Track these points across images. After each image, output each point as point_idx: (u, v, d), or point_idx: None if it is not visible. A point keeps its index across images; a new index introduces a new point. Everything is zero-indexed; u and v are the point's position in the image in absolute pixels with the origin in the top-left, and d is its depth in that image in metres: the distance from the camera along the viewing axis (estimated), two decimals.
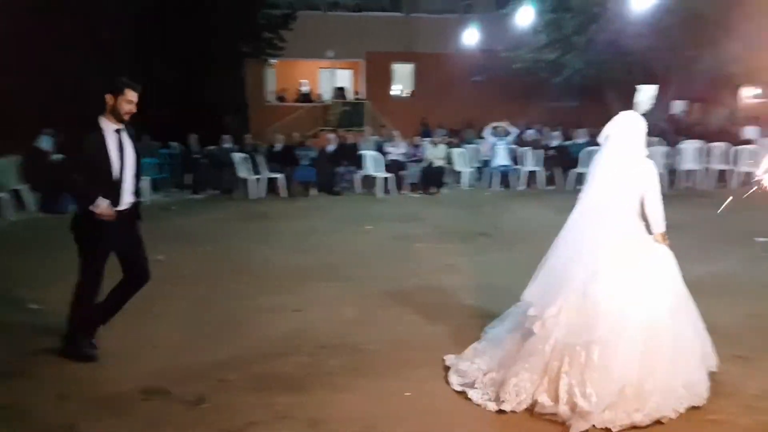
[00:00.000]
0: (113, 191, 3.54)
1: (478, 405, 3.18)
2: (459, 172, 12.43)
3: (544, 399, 3.00)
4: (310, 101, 18.93)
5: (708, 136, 12.67)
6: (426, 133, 14.57)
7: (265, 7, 14.89)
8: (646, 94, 15.21)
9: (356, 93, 18.66)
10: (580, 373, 2.95)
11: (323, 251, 6.96)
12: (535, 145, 12.96)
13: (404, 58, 18.77)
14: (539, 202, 10.36)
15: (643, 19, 11.25)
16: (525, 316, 3.30)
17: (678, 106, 17.45)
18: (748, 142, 11.83)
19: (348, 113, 17.78)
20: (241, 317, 4.62)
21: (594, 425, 2.87)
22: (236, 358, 3.87)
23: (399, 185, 11.77)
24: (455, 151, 12.73)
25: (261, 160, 11.42)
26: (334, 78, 19.83)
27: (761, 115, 14.96)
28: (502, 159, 12.19)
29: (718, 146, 11.63)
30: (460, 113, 17.22)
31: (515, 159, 12.40)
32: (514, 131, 12.55)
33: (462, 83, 17.79)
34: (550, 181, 12.32)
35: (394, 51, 18.54)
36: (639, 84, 14.24)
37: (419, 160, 12.14)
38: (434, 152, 12.19)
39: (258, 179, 11.17)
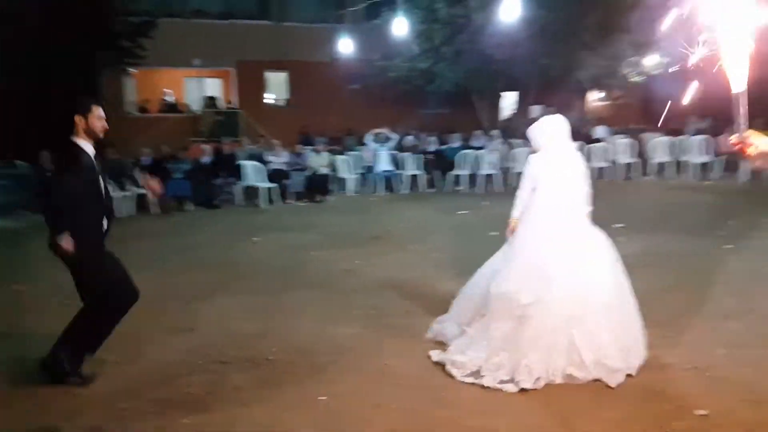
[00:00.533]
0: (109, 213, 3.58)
1: (495, 389, 3.34)
2: (344, 179, 12.47)
3: (573, 371, 3.38)
4: (177, 111, 17.78)
5: None
6: (306, 141, 14.40)
7: (122, 14, 13.76)
8: (508, 100, 16.48)
9: (228, 102, 17.91)
10: (590, 341, 3.39)
11: (210, 267, 6.57)
12: (414, 150, 13.41)
13: (277, 66, 18.43)
14: (422, 203, 10.73)
15: (503, 31, 12.17)
16: (503, 304, 3.55)
17: (535, 111, 19.08)
18: (598, 140, 13.26)
19: (221, 123, 17.00)
20: (131, 342, 4.17)
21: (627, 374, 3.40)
22: (133, 383, 3.52)
23: (283, 195, 11.50)
24: (339, 158, 12.77)
25: (133, 174, 10.54)
26: (201, 87, 18.86)
27: (606, 116, 16.91)
28: (384, 164, 12.44)
29: (575, 145, 12.84)
30: (340, 121, 17.31)
31: (397, 164, 12.73)
32: (394, 137, 12.90)
33: (339, 91, 17.89)
34: (431, 183, 12.82)
35: (266, 59, 18.14)
36: (502, 91, 15.35)
37: (303, 169, 11.98)
38: (318, 160, 12.11)
39: (125, 196, 10.25)
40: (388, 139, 12.70)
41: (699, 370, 3.56)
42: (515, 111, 16.00)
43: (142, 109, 18.01)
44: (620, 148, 12.97)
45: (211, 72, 18.74)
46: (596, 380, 3.40)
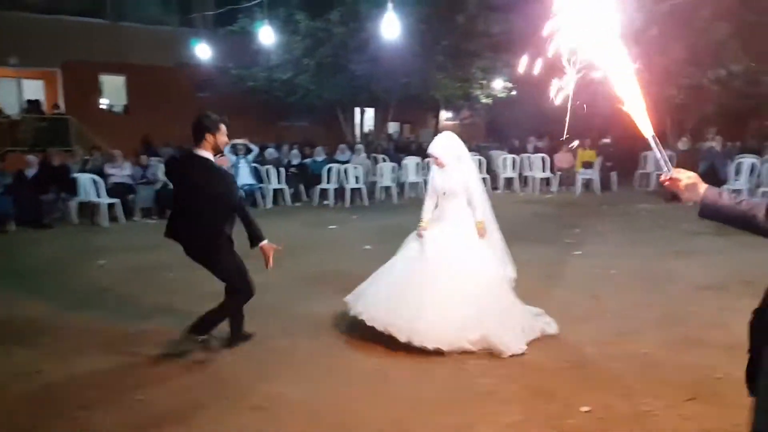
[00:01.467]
0: None
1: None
2: None
3: (465, 344, 3.97)
4: None
5: (422, 153, 14.61)
6: (150, 152, 13.14)
7: None
8: (367, 115, 16.81)
9: (55, 107, 15.71)
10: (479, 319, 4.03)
11: (50, 295, 5.54)
12: (276, 163, 12.96)
13: (113, 69, 16.68)
14: (289, 218, 10.33)
15: (364, 48, 12.39)
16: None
17: (392, 127, 19.78)
18: None
19: (45, 130, 14.81)
20: None
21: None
22: None
23: (128, 211, 10.31)
24: None
25: None
26: (19, 89, 16.34)
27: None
28: (245, 177, 11.80)
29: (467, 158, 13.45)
30: (187, 130, 16.08)
31: (259, 177, 12.18)
32: (255, 149, 12.33)
33: (187, 98, 16.75)
34: (295, 198, 12.47)
35: (100, 61, 16.31)
36: (364, 106, 15.59)
37: (150, 182, 10.87)
38: None
39: None
40: (249, 151, 12.09)
41: (574, 368, 3.77)
42: (374, 126, 16.37)
43: None
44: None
45: (32, 72, 16.37)
46: (491, 388, 3.46)
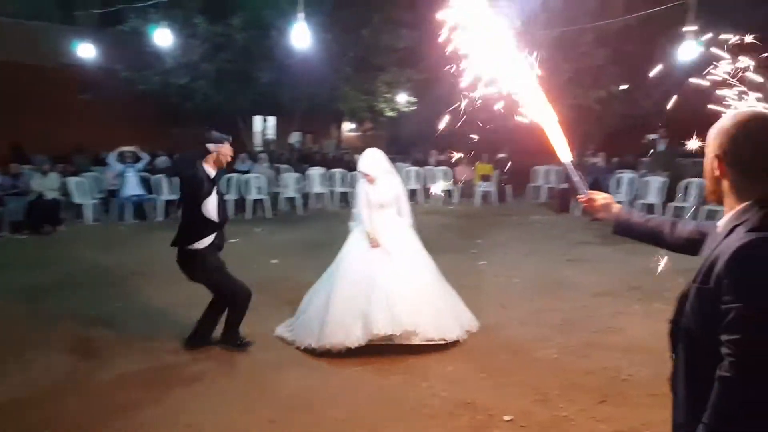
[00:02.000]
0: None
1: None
2: (80, 205, 10.55)
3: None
4: None
5: (327, 163, 14.49)
6: (20, 160, 11.69)
7: None
8: (268, 124, 16.37)
9: None
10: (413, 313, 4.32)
11: None
12: (169, 172, 12.16)
13: None
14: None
15: (269, 55, 12.05)
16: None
17: (294, 137, 19.44)
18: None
19: None
20: None
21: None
22: None
23: None
24: (72, 180, 10.74)
25: None
26: None
27: (358, 145, 18.10)
28: (133, 188, 10.96)
29: (339, 171, 13.38)
30: (64, 136, 14.69)
31: (149, 188, 11.36)
32: (145, 157, 11.48)
33: (67, 102, 15.29)
34: None
35: None
36: (267, 115, 15.17)
37: (22, 193, 9.71)
38: (44, 182, 9.99)
39: None
40: (138, 159, 11.24)
41: (492, 377, 3.85)
42: (276, 135, 15.97)
43: None
44: None
45: None
46: (414, 404, 3.44)
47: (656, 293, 5.56)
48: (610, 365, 3.93)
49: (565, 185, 11.37)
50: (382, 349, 4.13)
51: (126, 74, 12.58)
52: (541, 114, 1.93)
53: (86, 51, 11.44)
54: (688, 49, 7.59)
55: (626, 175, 10.98)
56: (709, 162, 1.40)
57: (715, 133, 1.39)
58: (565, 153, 1.94)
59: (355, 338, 4.12)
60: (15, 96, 14.70)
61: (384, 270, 4.34)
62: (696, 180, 9.70)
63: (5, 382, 3.77)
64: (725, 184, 1.37)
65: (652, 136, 11.47)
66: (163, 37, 9.33)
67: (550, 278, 6.35)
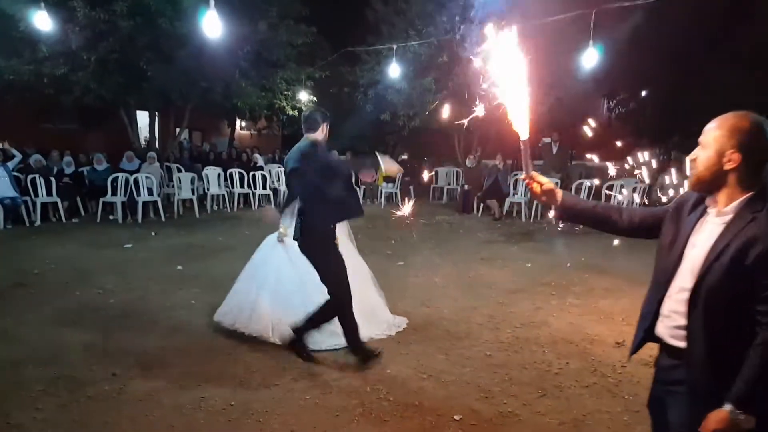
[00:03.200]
0: None
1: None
2: None
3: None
4: None
5: (222, 163, 13.84)
6: None
7: None
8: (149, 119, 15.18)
9: None
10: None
11: None
12: (44, 172, 10.90)
13: None
14: (66, 238, 8.72)
15: (155, 46, 11.21)
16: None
17: (181, 135, 18.28)
18: (260, 168, 13.55)
19: None
20: None
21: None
22: None
23: None
24: None
25: None
26: None
27: (253, 144, 17.54)
28: (5, 189, 9.70)
29: (237, 171, 12.85)
30: None
31: (22, 189, 10.11)
32: (17, 155, 10.20)
33: None
34: (72, 212, 10.71)
35: None
36: (153, 110, 14.13)
37: None
38: None
39: None
40: (9, 157, 9.97)
41: (432, 378, 3.93)
42: (160, 133, 14.89)
43: None
44: (277, 177, 13.57)
45: None
46: (361, 409, 3.42)
47: (566, 288, 6.03)
48: (540, 359, 4.18)
49: (467, 186, 11.93)
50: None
51: None
52: (509, 90, 1.81)
53: None
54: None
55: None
56: (715, 155, 1.62)
57: (728, 131, 1.60)
58: (524, 131, 1.85)
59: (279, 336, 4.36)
60: None
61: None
62: (586, 181, 10.69)
63: None
64: (733, 176, 1.61)
65: (546, 140, 12.38)
66: (42, 21, 8.31)
67: (468, 277, 6.61)
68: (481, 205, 11.56)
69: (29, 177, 10.31)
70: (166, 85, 11.88)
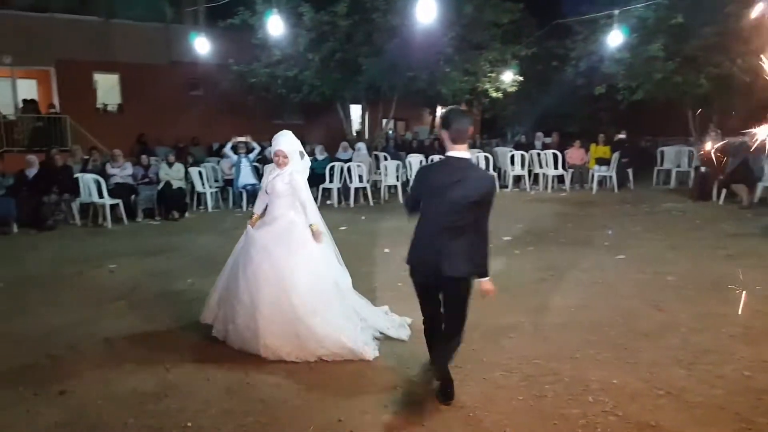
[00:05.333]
0: None
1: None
2: (202, 194, 11.07)
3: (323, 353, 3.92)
4: None
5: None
6: (145, 152, 12.60)
7: None
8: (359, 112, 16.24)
9: (50, 106, 15.05)
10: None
11: (60, 306, 5.04)
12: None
13: (107, 67, 16.04)
14: None
15: (369, 41, 11.87)
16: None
17: (387, 125, 19.27)
18: None
19: (42, 130, 14.22)
20: None
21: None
22: None
23: (130, 212, 9.78)
24: (193, 170, 11.29)
25: None
26: (14, 89, 15.59)
27: None
28: (247, 177, 11.29)
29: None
30: (180, 129, 15.62)
31: (260, 177, 11.67)
32: (256, 148, 11.79)
33: (180, 97, 16.21)
34: None
35: (93, 59, 15.68)
36: (364, 103, 15.07)
37: (152, 182, 10.34)
38: (170, 172, 10.53)
39: None
40: (250, 149, 11.56)
41: (672, 396, 3.35)
42: (371, 123, 15.84)
43: None
44: (476, 162, 13.36)
45: (26, 72, 15.68)
46: (595, 420, 3.03)
47: None
48: None
49: (704, 168, 10.20)
50: None
51: (236, 68, 12.95)
52: None
53: (201, 46, 11.90)
54: None
55: None
56: None
57: None
58: None
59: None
60: (140, 93, 15.87)
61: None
62: None
63: None
64: None
65: None
66: (275, 27, 9.39)
67: (711, 277, 5.57)
68: (724, 190, 9.78)
69: (266, 166, 11.85)
70: (376, 77, 12.55)
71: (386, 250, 7.17)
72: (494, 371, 3.71)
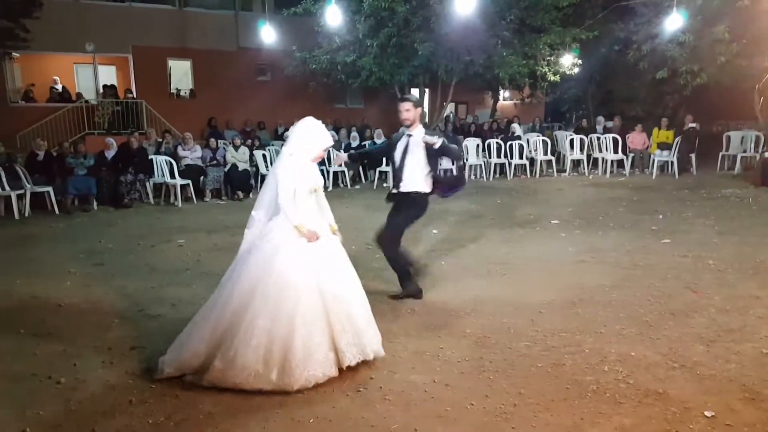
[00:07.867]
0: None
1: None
2: (265, 176, 11.74)
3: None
4: (68, 101, 15.88)
5: (482, 134, 14.24)
6: (214, 135, 13.44)
7: None
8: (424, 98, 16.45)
9: (127, 92, 16.31)
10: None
11: (138, 273, 5.73)
12: (336, 146, 12.94)
13: (179, 54, 17.10)
14: (350, 201, 10.31)
15: (426, 26, 12.06)
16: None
17: (447, 109, 19.39)
18: (518, 137, 13.55)
19: (120, 114, 15.48)
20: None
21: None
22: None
23: (199, 192, 10.59)
24: (258, 153, 11.99)
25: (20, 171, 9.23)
26: (95, 74, 16.99)
27: (515, 114, 17.49)
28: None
29: (495, 142, 13.09)
30: (247, 114, 16.47)
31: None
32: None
33: (248, 82, 17.06)
34: (354, 180, 12.62)
35: (167, 46, 16.77)
36: (423, 87, 15.28)
37: (219, 164, 11.12)
38: (236, 155, 11.26)
39: (19, 195, 8.94)
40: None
41: (686, 368, 3.52)
42: (430, 107, 16.04)
43: (27, 98, 15.89)
44: (535, 146, 13.36)
45: (106, 58, 17.00)
46: (600, 391, 3.27)
47: None
48: None
49: None
50: None
51: (299, 54, 13.52)
52: None
53: (267, 34, 12.53)
54: None
55: None
56: None
57: None
58: None
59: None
60: (211, 79, 16.86)
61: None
62: None
63: None
64: None
65: None
66: (334, 15, 9.81)
67: (754, 261, 5.54)
68: None
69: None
70: (433, 62, 12.74)
71: (434, 231, 7.48)
72: (520, 341, 3.98)
